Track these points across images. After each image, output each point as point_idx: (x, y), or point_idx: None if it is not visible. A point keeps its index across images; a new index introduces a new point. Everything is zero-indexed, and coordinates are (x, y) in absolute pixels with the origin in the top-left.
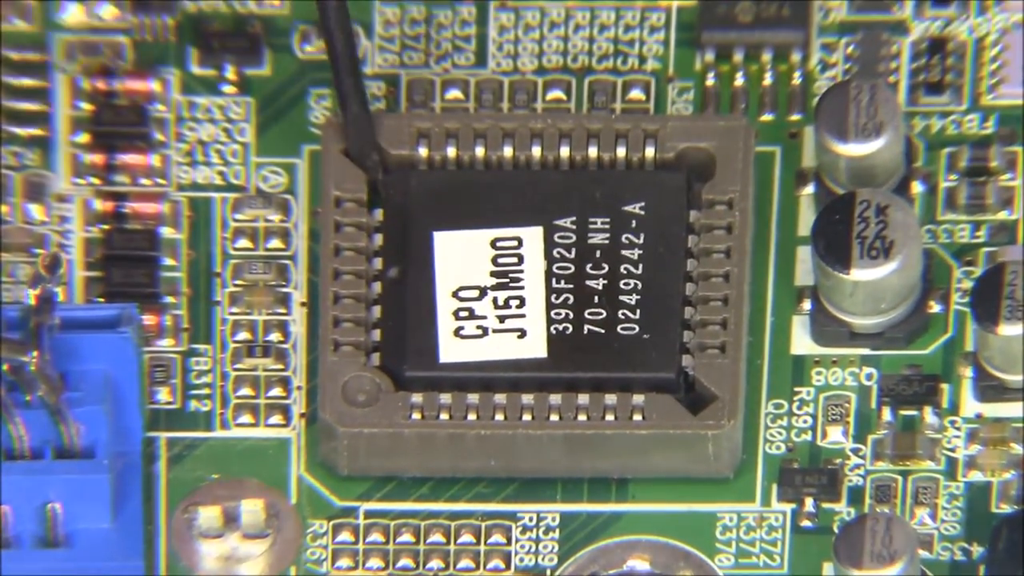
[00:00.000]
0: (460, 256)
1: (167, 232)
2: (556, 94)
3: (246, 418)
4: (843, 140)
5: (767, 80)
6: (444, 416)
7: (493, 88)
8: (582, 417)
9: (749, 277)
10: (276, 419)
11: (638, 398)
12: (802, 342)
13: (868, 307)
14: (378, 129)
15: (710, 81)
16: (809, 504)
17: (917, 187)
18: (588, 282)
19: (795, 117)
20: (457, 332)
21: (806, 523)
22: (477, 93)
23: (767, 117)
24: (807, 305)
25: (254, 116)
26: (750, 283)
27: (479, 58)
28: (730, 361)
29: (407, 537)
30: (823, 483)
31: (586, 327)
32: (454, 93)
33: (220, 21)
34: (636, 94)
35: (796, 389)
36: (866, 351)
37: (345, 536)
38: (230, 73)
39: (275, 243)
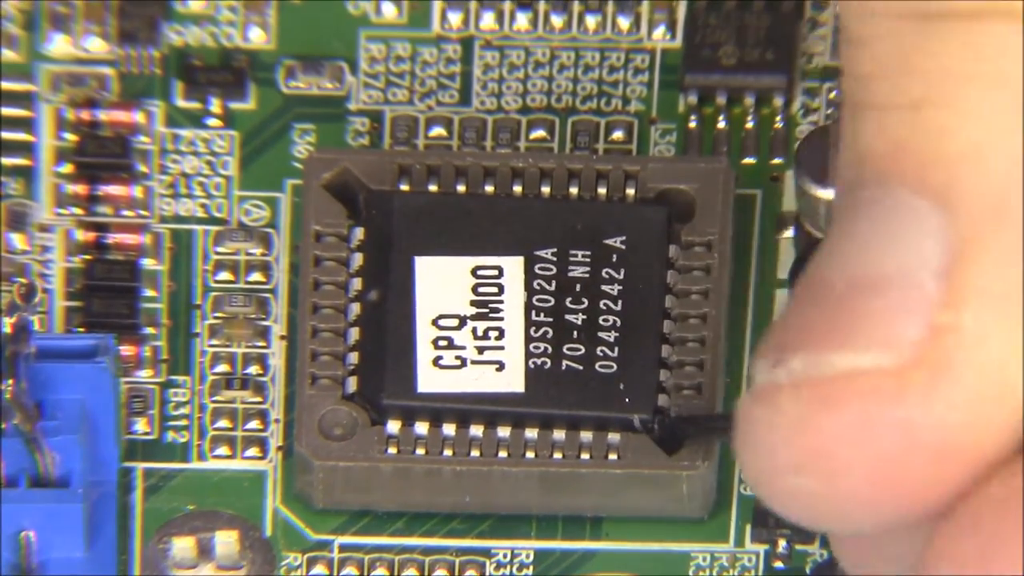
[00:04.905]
0: (441, 283)
1: (148, 263)
2: (539, 133)
3: (223, 450)
4: (822, 184)
5: (749, 124)
6: (420, 451)
7: (477, 126)
8: (557, 455)
9: (726, 319)
10: (253, 452)
11: (613, 437)
12: None
13: None
14: (360, 165)
15: (692, 124)
16: (782, 546)
17: None
18: (567, 316)
19: (777, 161)
20: (436, 362)
21: (779, 564)
22: (461, 131)
23: (749, 160)
24: None
25: (238, 150)
26: (728, 325)
27: (463, 96)
28: (706, 402)
29: (381, 571)
30: (797, 525)
31: (564, 363)
32: (438, 130)
33: (206, 55)
34: (619, 135)
35: None
36: None
37: (319, 569)
38: (215, 107)
39: (256, 276)
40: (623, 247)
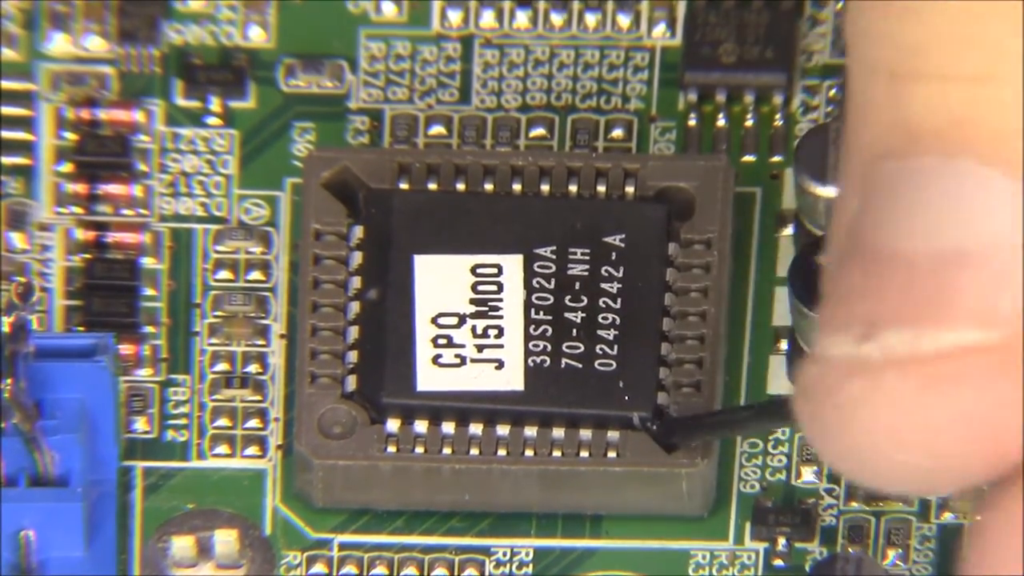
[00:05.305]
0: (440, 281)
1: (148, 262)
2: (539, 131)
3: (222, 449)
4: (821, 182)
5: (749, 121)
6: (419, 449)
7: (476, 124)
8: (557, 453)
9: (726, 317)
10: (252, 450)
11: (613, 435)
12: (778, 382)
13: None
14: (360, 163)
15: (692, 122)
16: (782, 543)
17: None
18: (567, 314)
19: (776, 159)
20: (435, 360)
21: (778, 562)
22: (460, 129)
23: (749, 158)
24: (784, 345)
25: (238, 148)
26: (727, 323)
27: (463, 94)
28: (705, 400)
29: (381, 570)
30: (796, 522)
31: (563, 361)
32: (437, 129)
33: (205, 54)
34: (618, 133)
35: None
36: None
37: (319, 568)
38: (214, 105)
39: (255, 275)
40: (622, 245)
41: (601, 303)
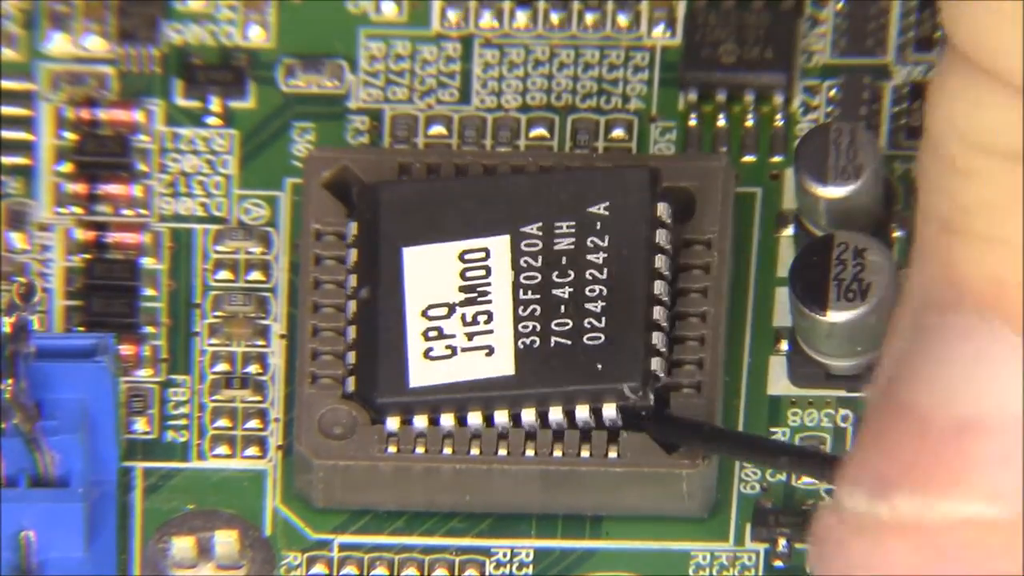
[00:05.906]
0: (429, 272)
1: (148, 262)
2: (539, 131)
3: (223, 449)
4: (822, 182)
5: (749, 121)
6: (420, 449)
7: (476, 125)
8: (557, 453)
9: (726, 317)
10: (252, 451)
11: (614, 437)
12: (779, 383)
13: (844, 349)
14: (360, 164)
15: (692, 122)
16: (782, 544)
17: (896, 231)
18: (554, 291)
19: (776, 159)
20: (427, 353)
21: (778, 563)
22: (460, 129)
23: (749, 158)
24: (784, 346)
25: (237, 148)
26: (727, 323)
27: (463, 95)
28: (706, 401)
29: (381, 571)
30: (797, 523)
31: (553, 339)
32: (437, 129)
33: (205, 54)
34: (619, 133)
35: (772, 429)
36: (842, 393)
37: (319, 569)
38: (214, 105)
39: (255, 275)
40: (607, 213)
41: (588, 275)
